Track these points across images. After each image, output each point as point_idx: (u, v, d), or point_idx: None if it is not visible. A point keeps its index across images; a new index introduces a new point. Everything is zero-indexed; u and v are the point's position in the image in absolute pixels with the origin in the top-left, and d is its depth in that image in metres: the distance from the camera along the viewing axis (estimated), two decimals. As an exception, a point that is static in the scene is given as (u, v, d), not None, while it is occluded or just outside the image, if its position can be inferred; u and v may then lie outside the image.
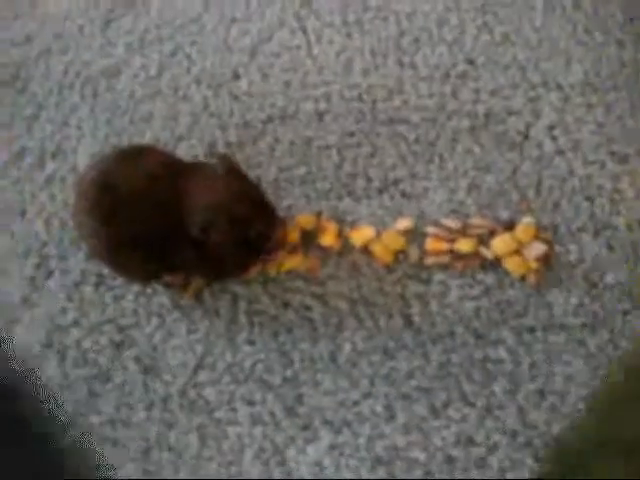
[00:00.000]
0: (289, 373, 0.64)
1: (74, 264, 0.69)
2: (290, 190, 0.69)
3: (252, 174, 0.70)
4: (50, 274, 0.69)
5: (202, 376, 0.64)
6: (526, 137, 0.72)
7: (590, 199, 0.70)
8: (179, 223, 0.60)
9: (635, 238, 0.67)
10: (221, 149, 0.72)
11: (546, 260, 0.67)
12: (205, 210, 0.59)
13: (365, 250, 0.67)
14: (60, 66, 0.78)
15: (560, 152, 0.72)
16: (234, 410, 0.63)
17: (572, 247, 0.68)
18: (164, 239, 0.60)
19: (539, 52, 0.77)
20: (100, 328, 0.66)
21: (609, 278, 0.66)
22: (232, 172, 0.61)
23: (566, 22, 0.78)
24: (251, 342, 0.65)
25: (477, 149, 0.72)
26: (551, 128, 0.73)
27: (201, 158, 0.71)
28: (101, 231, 0.61)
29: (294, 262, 0.67)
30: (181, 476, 0.61)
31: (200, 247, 0.60)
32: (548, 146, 0.72)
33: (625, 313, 0.65)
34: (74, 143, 0.74)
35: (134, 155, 0.62)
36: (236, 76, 0.76)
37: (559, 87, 0.74)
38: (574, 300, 0.66)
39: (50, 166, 0.73)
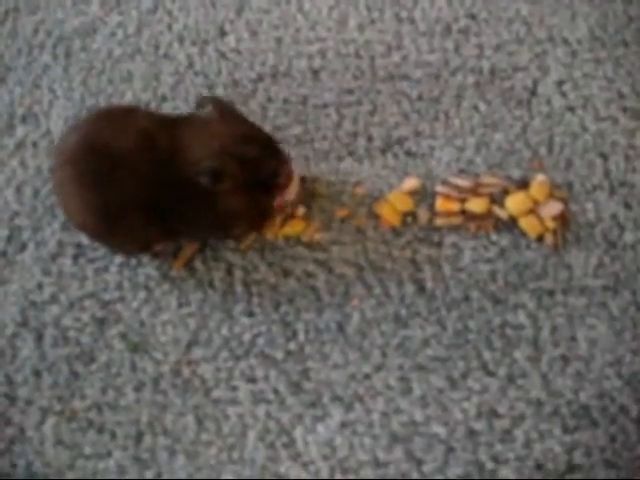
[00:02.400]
0: (293, 346, 0.58)
1: (49, 235, 0.63)
2: (287, 151, 0.64)
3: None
4: (23, 247, 0.62)
5: (196, 352, 0.58)
6: (534, 93, 0.68)
7: (604, 156, 0.66)
8: (181, 179, 0.54)
9: (652, 196, 0.64)
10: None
11: (563, 219, 0.62)
12: (212, 156, 0.54)
13: (370, 212, 0.63)
14: (29, 25, 0.72)
15: (570, 108, 0.68)
16: (234, 388, 0.57)
17: (588, 206, 0.63)
18: (165, 199, 0.55)
19: (542, 7, 0.73)
20: (81, 304, 0.60)
21: (628, 237, 0.62)
22: (228, 114, 0.56)
23: (568, -23, 0.74)
24: (250, 313, 0.60)
25: (483, 106, 0.67)
26: (560, 84, 0.69)
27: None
28: (93, 198, 0.54)
29: (296, 227, 0.62)
30: (178, 463, 0.55)
31: (208, 200, 0.55)
32: (557, 102, 0.68)
33: (647, 274, 0.61)
34: (46, 106, 0.68)
35: (119, 114, 0.57)
36: (222, 33, 0.71)
37: (566, 42, 0.71)
38: (593, 261, 0.61)
39: (20, 131, 0.67)
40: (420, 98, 0.67)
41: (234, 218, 0.58)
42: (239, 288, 0.60)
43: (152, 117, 0.58)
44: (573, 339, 0.59)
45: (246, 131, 0.56)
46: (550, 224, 0.62)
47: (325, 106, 0.67)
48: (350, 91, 0.68)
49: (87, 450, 0.56)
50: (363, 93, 0.67)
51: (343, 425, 0.56)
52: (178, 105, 0.67)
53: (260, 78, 0.68)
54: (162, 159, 0.55)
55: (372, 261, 0.61)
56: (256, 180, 0.56)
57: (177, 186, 0.55)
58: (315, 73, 0.68)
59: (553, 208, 0.62)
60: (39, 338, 0.59)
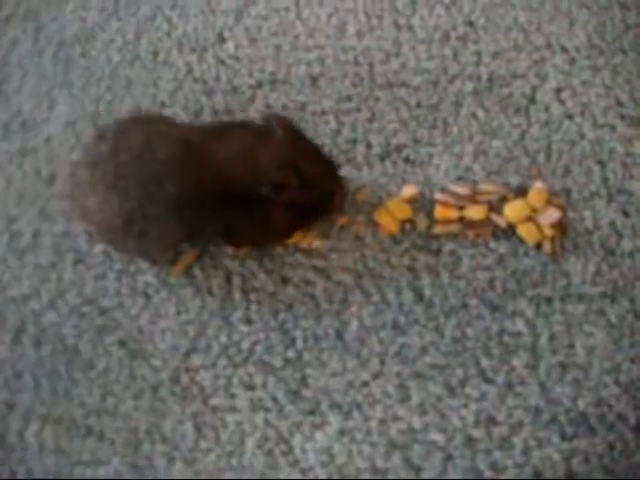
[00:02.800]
0: (291, 353, 0.58)
1: (49, 241, 0.63)
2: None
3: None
4: (22, 253, 0.62)
5: (195, 360, 0.58)
6: (532, 101, 0.68)
7: (602, 163, 0.66)
8: (232, 186, 0.55)
9: (650, 203, 0.64)
10: (210, 115, 0.66)
11: (561, 227, 0.63)
12: (278, 168, 0.55)
13: (369, 220, 0.63)
14: (30, 32, 0.72)
15: (568, 116, 0.68)
16: (232, 396, 0.57)
17: (586, 213, 0.64)
18: (201, 204, 0.55)
19: (541, 14, 0.73)
20: (80, 310, 0.60)
21: (626, 245, 0.62)
22: (292, 132, 0.57)
23: (566, -16, 0.75)
24: (248, 321, 0.60)
25: (482, 113, 0.68)
26: (558, 91, 0.69)
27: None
28: (125, 200, 0.55)
29: (295, 235, 0.62)
30: (176, 470, 0.55)
31: (261, 210, 0.56)
32: (556, 109, 0.68)
33: (645, 281, 0.61)
34: (46, 113, 0.68)
35: (154, 120, 0.58)
36: (221, 40, 0.71)
37: (564, 50, 0.71)
38: (592, 268, 0.61)
39: (19, 137, 0.67)
40: (419, 105, 0.68)
41: (277, 232, 0.59)
42: (238, 295, 0.60)
43: (186, 125, 0.60)
44: (571, 346, 0.59)
45: (309, 150, 0.58)
46: (548, 232, 0.62)
47: (324, 113, 0.67)
48: (349, 98, 0.68)
49: (85, 457, 0.56)
50: (362, 100, 0.67)
51: (341, 432, 0.56)
52: (177, 112, 0.67)
53: (259, 85, 0.68)
54: (207, 165, 0.55)
55: (371, 268, 0.61)
56: (312, 198, 0.57)
57: (224, 193, 0.55)
58: (314, 80, 0.68)
59: (551, 215, 0.63)
60: (38, 345, 0.59)
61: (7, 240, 0.63)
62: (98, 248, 0.62)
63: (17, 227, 0.63)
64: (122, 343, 0.59)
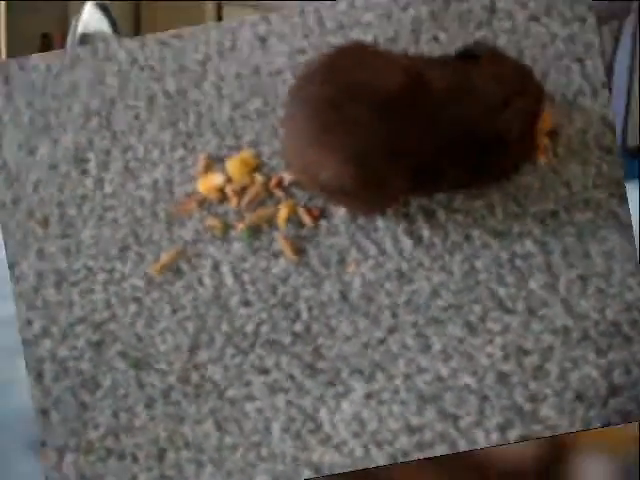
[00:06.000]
0: (299, 327, 0.55)
1: (26, 268, 0.60)
2: (250, 126, 0.60)
3: (205, 120, 0.62)
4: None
5: (201, 355, 0.55)
6: (493, 11, 0.64)
7: (580, 60, 0.62)
8: (462, 125, 0.52)
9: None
10: (163, 100, 0.63)
11: (553, 135, 0.59)
12: (514, 111, 0.53)
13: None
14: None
15: (534, 18, 0.64)
16: (247, 384, 0.54)
17: (575, 115, 0.60)
18: (434, 144, 0.52)
19: None
20: (73, 331, 0.57)
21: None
22: (499, 56, 0.56)
23: None
24: (247, 303, 0.56)
25: (443, 35, 0.63)
26: (518, -5, 0.65)
27: (145, 115, 0.63)
28: (353, 145, 0.51)
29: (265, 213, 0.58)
30: (206, 473, 0.52)
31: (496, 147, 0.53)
32: (519, 15, 0.64)
33: (650, 172, 0.58)
34: (29, 160, 0.65)
35: (369, 50, 0.55)
36: (158, 20, 0.67)
37: (516, -50, 0.67)
38: (593, 170, 0.58)
39: (7, 188, 0.63)
40: (375, 42, 0.63)
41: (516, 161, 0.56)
42: (229, 280, 0.57)
43: (408, 55, 0.57)
44: (587, 256, 0.56)
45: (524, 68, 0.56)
46: (542, 141, 0.58)
47: (279, 72, 0.63)
48: (302, 51, 0.64)
49: (111, 479, 0.54)
50: (315, 49, 0.63)
51: (368, 397, 0.53)
52: (130, 104, 0.64)
53: (207, 58, 0.64)
54: (437, 101, 0.52)
55: (361, 225, 0.58)
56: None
57: (453, 132, 0.52)
58: (262, 40, 0.64)
59: (541, 125, 0.59)
60: (39, 375, 0.57)
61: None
62: (78, 264, 0.59)
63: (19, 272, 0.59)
64: (123, 354, 0.56)
